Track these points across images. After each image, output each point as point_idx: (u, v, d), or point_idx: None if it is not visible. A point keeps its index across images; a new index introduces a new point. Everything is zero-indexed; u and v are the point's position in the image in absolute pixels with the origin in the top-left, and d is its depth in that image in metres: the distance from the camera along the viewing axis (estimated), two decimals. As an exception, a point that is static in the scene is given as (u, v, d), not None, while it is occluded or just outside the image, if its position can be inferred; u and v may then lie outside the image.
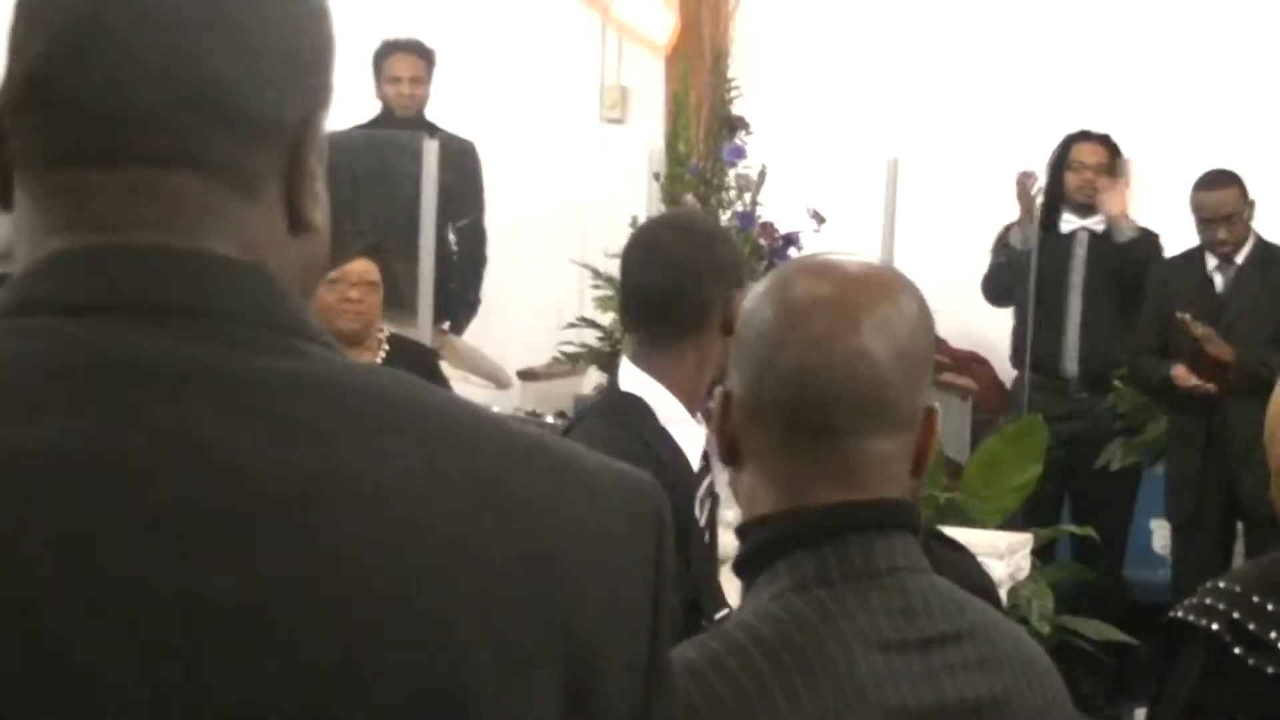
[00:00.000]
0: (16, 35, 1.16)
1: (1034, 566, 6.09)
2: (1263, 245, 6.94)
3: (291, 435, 1.09)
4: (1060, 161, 7.47)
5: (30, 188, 1.16)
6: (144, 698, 1.03)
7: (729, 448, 1.85)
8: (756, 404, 1.81)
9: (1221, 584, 2.51)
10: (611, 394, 3.23)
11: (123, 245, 1.13)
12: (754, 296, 1.85)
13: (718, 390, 1.87)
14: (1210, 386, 6.65)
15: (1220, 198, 6.85)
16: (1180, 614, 2.50)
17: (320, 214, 1.20)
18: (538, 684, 1.12)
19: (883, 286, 1.82)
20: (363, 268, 5.68)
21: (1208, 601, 2.48)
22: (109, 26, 1.13)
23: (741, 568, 1.82)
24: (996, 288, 7.64)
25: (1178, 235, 7.14)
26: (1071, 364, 7.45)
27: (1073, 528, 6.88)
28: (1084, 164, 7.41)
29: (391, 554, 1.08)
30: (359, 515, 1.08)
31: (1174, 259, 7.11)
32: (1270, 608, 2.42)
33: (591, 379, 7.33)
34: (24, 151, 1.16)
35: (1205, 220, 6.86)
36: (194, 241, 1.14)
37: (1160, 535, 7.37)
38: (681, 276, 3.14)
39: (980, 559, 4.11)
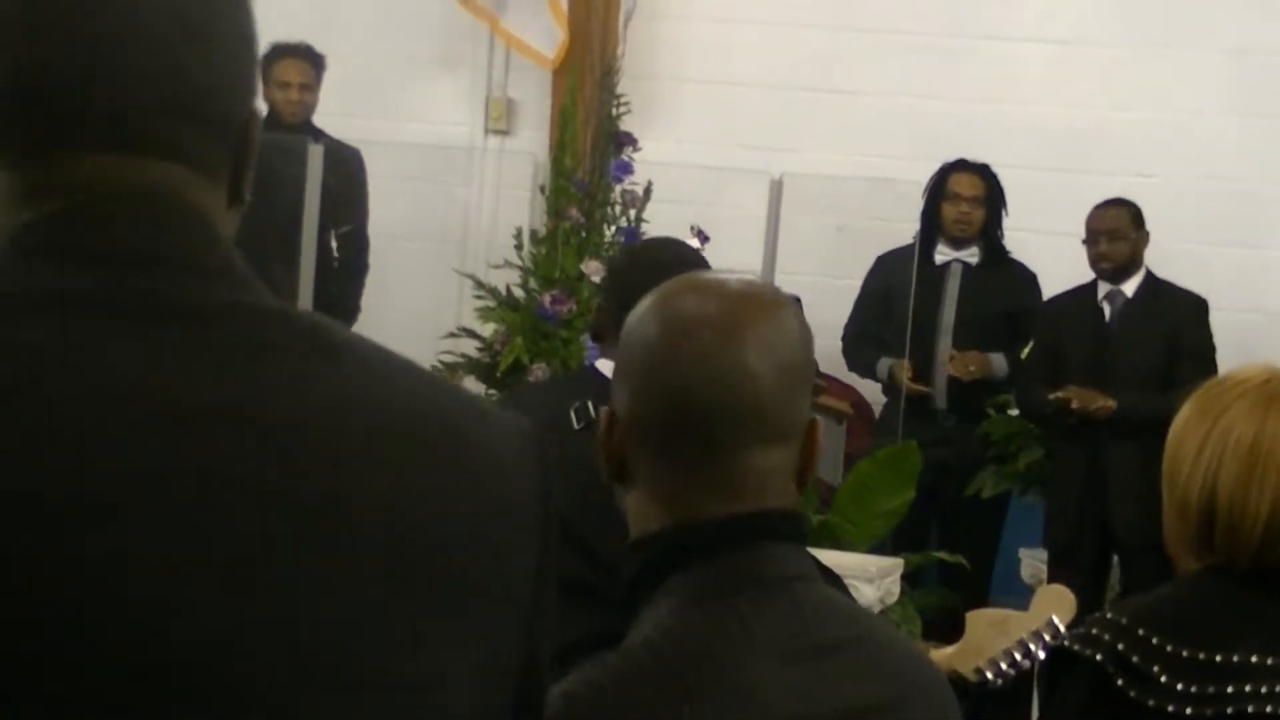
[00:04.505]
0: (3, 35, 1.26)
1: (903, 591, 6.13)
2: (1153, 280, 7.03)
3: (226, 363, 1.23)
4: (937, 191, 7.45)
5: (16, 172, 1.26)
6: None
7: (615, 466, 1.84)
8: (641, 422, 1.81)
9: (1108, 615, 2.50)
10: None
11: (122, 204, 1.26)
12: (637, 315, 1.85)
13: (603, 409, 1.87)
14: (1109, 405, 6.77)
15: (1108, 213, 6.96)
16: (1066, 643, 2.50)
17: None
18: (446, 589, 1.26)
19: (764, 304, 1.84)
20: None
21: (1094, 632, 2.47)
22: (104, 40, 1.26)
23: (635, 584, 1.82)
24: (856, 357, 7.63)
25: (1058, 275, 7.24)
26: (941, 396, 7.45)
27: (943, 554, 6.93)
28: (960, 195, 7.41)
29: (319, 471, 1.22)
30: (283, 437, 1.21)
31: (1066, 292, 7.17)
32: (1155, 641, 2.42)
33: (469, 389, 7.30)
34: (9, 144, 1.27)
35: (1091, 234, 6.95)
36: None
37: (1028, 564, 7.42)
38: None
39: (851, 582, 4.14)
